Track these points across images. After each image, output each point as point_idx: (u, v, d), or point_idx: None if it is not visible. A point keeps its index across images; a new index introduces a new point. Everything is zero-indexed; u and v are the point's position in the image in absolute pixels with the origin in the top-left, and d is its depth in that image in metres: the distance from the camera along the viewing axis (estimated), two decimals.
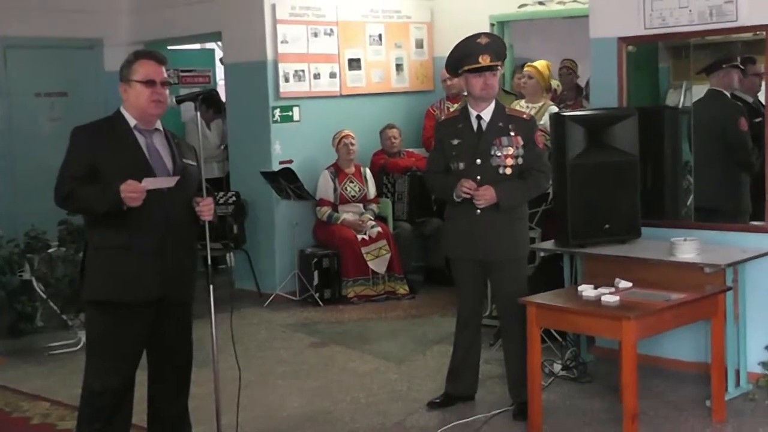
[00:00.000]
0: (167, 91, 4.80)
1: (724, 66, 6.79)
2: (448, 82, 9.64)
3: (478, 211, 5.82)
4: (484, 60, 5.81)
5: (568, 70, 9.90)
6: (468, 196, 5.81)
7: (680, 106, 7.07)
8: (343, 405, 6.33)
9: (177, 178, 4.72)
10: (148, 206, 4.59)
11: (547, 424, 5.70)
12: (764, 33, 6.24)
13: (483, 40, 5.87)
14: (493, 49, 5.84)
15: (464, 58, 5.90)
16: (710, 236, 6.35)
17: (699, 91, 6.94)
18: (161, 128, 4.87)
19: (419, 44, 10.70)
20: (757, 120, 6.49)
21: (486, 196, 5.77)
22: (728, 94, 6.81)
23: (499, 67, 5.90)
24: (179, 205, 4.77)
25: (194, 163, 4.94)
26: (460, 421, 5.89)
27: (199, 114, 5.03)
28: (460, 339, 6.17)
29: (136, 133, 4.76)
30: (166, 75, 4.79)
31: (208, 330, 5.03)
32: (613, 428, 5.63)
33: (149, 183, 4.58)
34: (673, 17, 6.58)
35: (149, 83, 4.71)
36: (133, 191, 4.51)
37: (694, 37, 6.70)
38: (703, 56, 6.98)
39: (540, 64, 8.46)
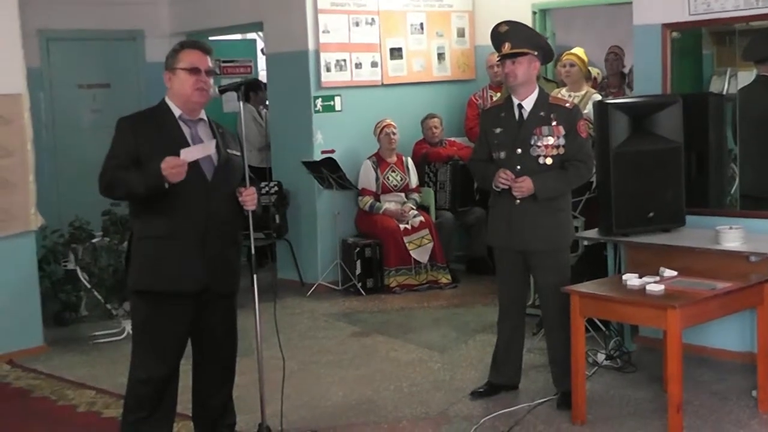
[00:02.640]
0: (211, 80, 4.82)
1: None
2: (495, 68, 9.54)
3: (518, 201, 5.80)
4: (505, 48, 5.78)
5: (616, 56, 9.80)
6: (506, 186, 5.78)
7: (724, 93, 6.99)
8: (386, 394, 6.33)
9: (214, 141, 4.73)
10: (192, 196, 4.62)
11: (591, 414, 5.68)
12: None
13: (502, 28, 5.85)
14: (513, 36, 5.78)
15: (495, 47, 5.91)
16: (756, 225, 6.29)
17: (743, 77, 6.85)
18: (205, 118, 4.89)
19: (461, 33, 10.64)
20: None
21: (523, 187, 5.74)
22: None
23: (526, 54, 5.76)
24: (223, 195, 4.78)
25: (238, 153, 4.95)
26: (504, 411, 5.86)
27: (241, 104, 5.04)
28: (502, 328, 6.15)
29: (181, 123, 4.77)
30: (210, 64, 4.81)
31: (251, 319, 5.05)
32: (658, 418, 5.59)
33: (188, 154, 4.56)
34: (719, 3, 6.49)
35: (194, 71, 4.73)
36: (173, 166, 4.50)
37: (739, 23, 6.61)
38: (748, 42, 6.89)
39: (579, 51, 8.40)
